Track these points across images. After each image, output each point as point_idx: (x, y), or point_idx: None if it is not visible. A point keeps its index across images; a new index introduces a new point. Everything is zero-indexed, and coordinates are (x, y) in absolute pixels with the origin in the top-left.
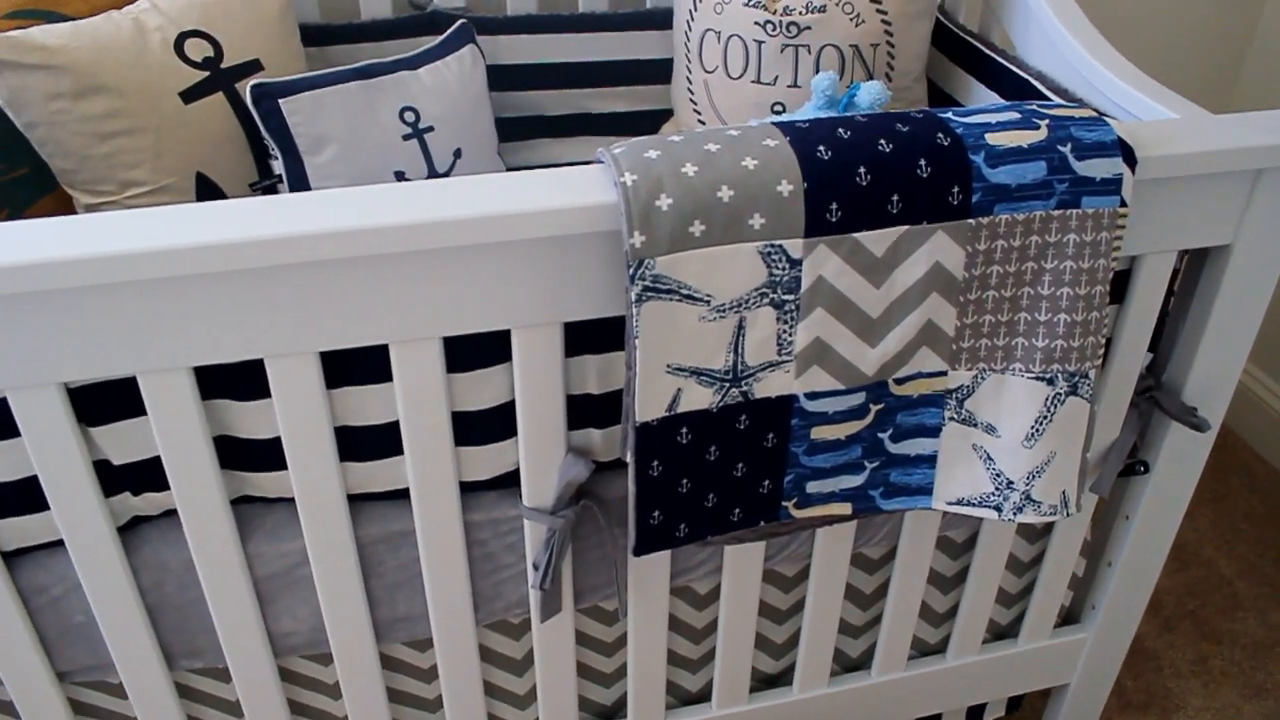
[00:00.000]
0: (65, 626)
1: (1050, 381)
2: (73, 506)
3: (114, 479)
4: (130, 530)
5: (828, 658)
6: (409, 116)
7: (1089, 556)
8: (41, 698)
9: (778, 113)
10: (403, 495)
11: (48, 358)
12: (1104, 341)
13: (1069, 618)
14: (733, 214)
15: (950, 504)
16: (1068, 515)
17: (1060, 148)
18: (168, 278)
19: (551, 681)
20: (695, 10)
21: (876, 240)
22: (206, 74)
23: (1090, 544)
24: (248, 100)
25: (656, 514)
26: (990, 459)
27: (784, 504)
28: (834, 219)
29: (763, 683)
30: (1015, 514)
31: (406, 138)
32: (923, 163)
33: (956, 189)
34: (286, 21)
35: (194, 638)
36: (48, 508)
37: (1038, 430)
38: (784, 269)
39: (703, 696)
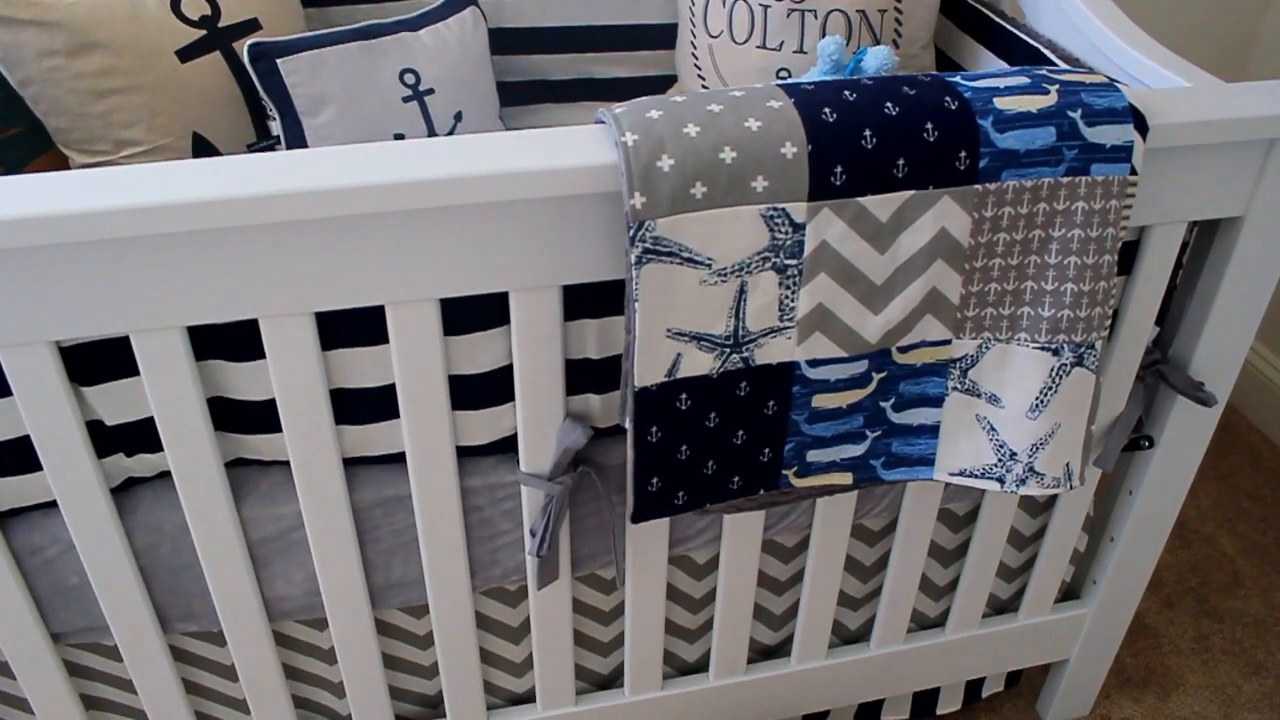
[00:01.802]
0: (60, 588)
1: (1056, 352)
2: (65, 467)
3: (107, 440)
4: (124, 492)
5: (826, 630)
6: (409, 78)
7: (1091, 531)
8: (36, 659)
9: (783, 78)
10: (399, 459)
11: (39, 315)
12: (1111, 313)
13: (1069, 593)
14: (735, 176)
15: (952, 475)
16: (1071, 488)
17: (1070, 113)
18: (161, 235)
19: (548, 649)
20: None
21: (881, 205)
22: (203, 32)
23: (1092, 519)
24: (245, 60)
25: (655, 481)
26: (994, 430)
27: (784, 472)
28: (838, 182)
29: (760, 654)
30: (1018, 486)
31: (406, 100)
32: (929, 126)
33: (964, 154)
34: None
35: (188, 601)
36: (41, 468)
37: (1042, 401)
38: (787, 233)
39: (700, 666)
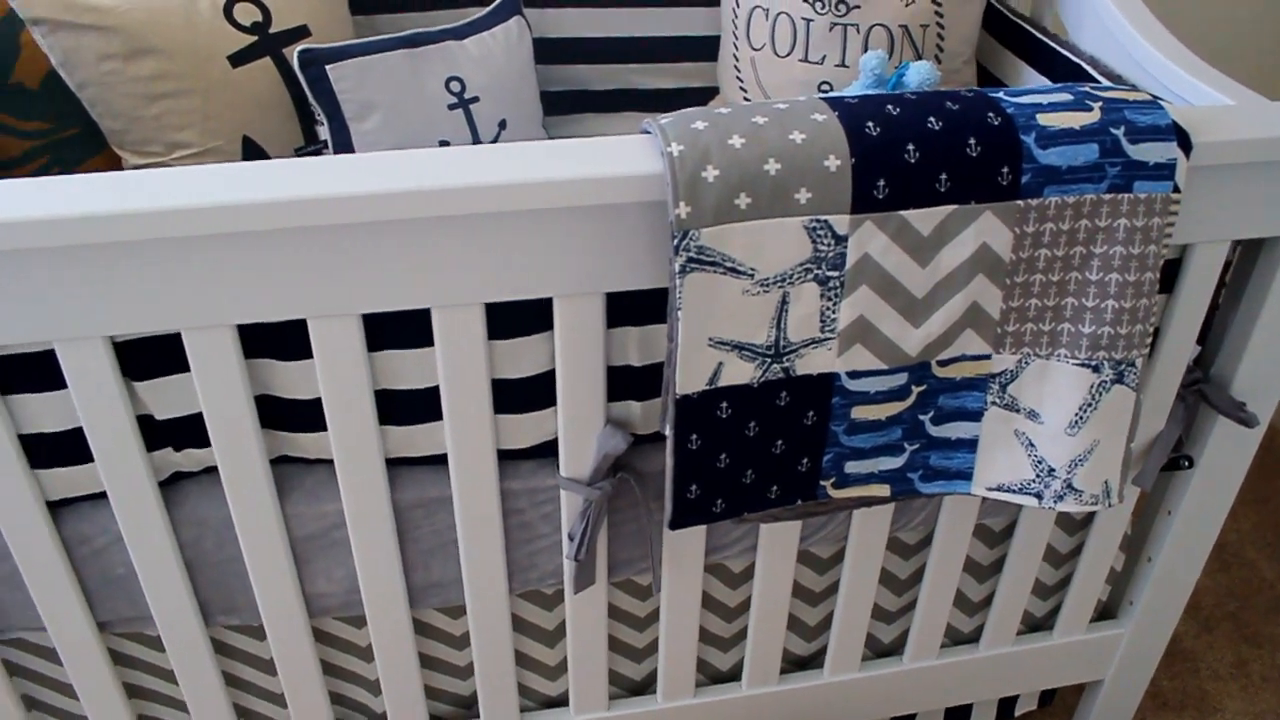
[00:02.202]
0: (107, 577)
1: (1096, 369)
2: (116, 459)
3: (157, 434)
4: (171, 485)
5: (860, 642)
6: (455, 86)
7: (1128, 551)
8: (82, 646)
9: (825, 92)
10: (441, 461)
11: (94, 311)
12: (1152, 330)
13: (1105, 612)
14: (779, 187)
15: (990, 489)
16: (1110, 505)
17: (1113, 130)
18: (213, 235)
19: (582, 654)
20: None
21: (923, 219)
22: (255, 38)
23: (1130, 538)
24: (295, 65)
25: (694, 488)
26: (1032, 445)
27: (822, 483)
28: (881, 196)
29: (793, 664)
30: (1056, 502)
31: (452, 107)
32: (972, 142)
33: (1006, 169)
34: None
35: (231, 594)
36: (92, 460)
37: (1081, 418)
38: (829, 245)
39: (733, 675)
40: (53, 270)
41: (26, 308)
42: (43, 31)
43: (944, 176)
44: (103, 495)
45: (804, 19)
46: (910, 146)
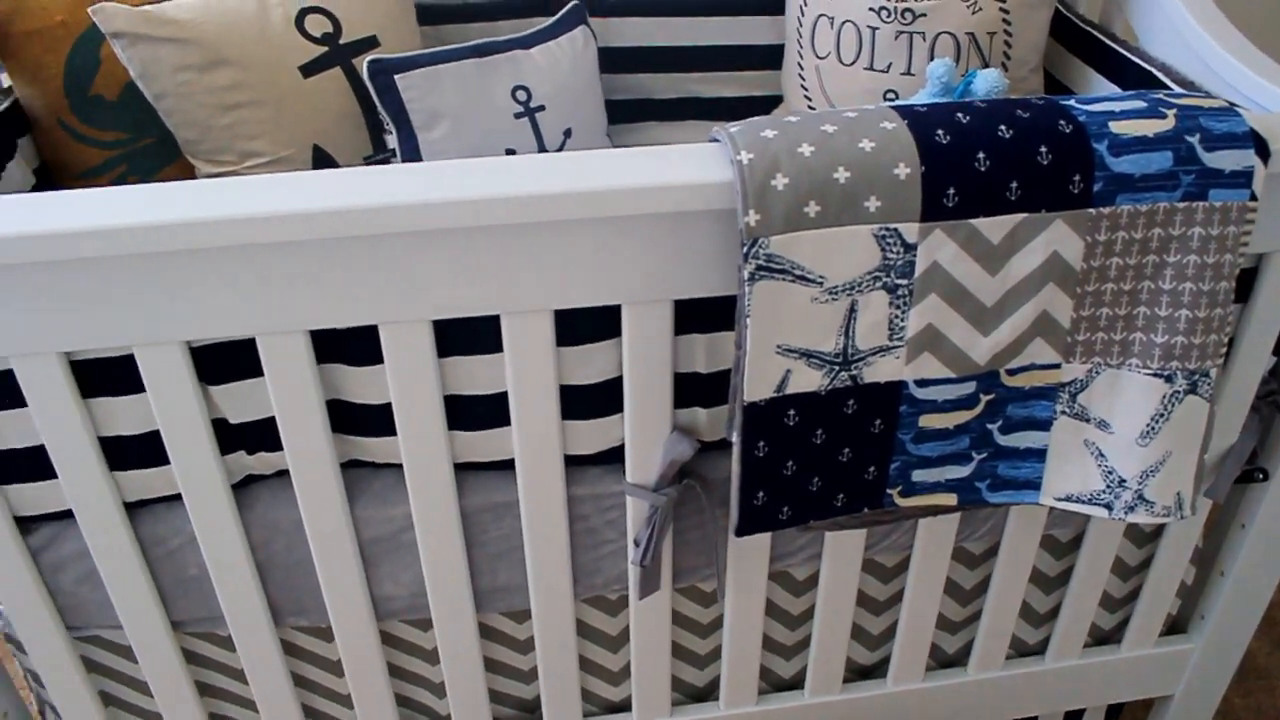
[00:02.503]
0: (180, 578)
1: (1169, 379)
2: (191, 462)
3: (230, 437)
4: (243, 488)
5: (924, 652)
6: (521, 95)
7: (1200, 564)
8: (157, 645)
9: (890, 100)
10: (508, 466)
11: (172, 316)
12: (1227, 340)
13: (1175, 627)
14: (848, 195)
15: (1059, 500)
16: (1182, 518)
17: (1188, 138)
18: (287, 242)
19: (646, 659)
20: None
21: (994, 227)
22: (325, 49)
23: (1202, 551)
24: (364, 76)
25: (760, 495)
26: (1102, 456)
27: (888, 491)
28: (951, 204)
29: (856, 673)
30: (1127, 513)
31: (518, 116)
32: (1043, 149)
33: (1078, 177)
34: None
35: (300, 596)
36: (168, 462)
37: (1153, 428)
38: (898, 253)
39: (795, 683)
40: (133, 276)
41: (107, 313)
42: (123, 44)
43: (1014, 184)
44: (177, 497)
45: (870, 27)
46: (981, 154)
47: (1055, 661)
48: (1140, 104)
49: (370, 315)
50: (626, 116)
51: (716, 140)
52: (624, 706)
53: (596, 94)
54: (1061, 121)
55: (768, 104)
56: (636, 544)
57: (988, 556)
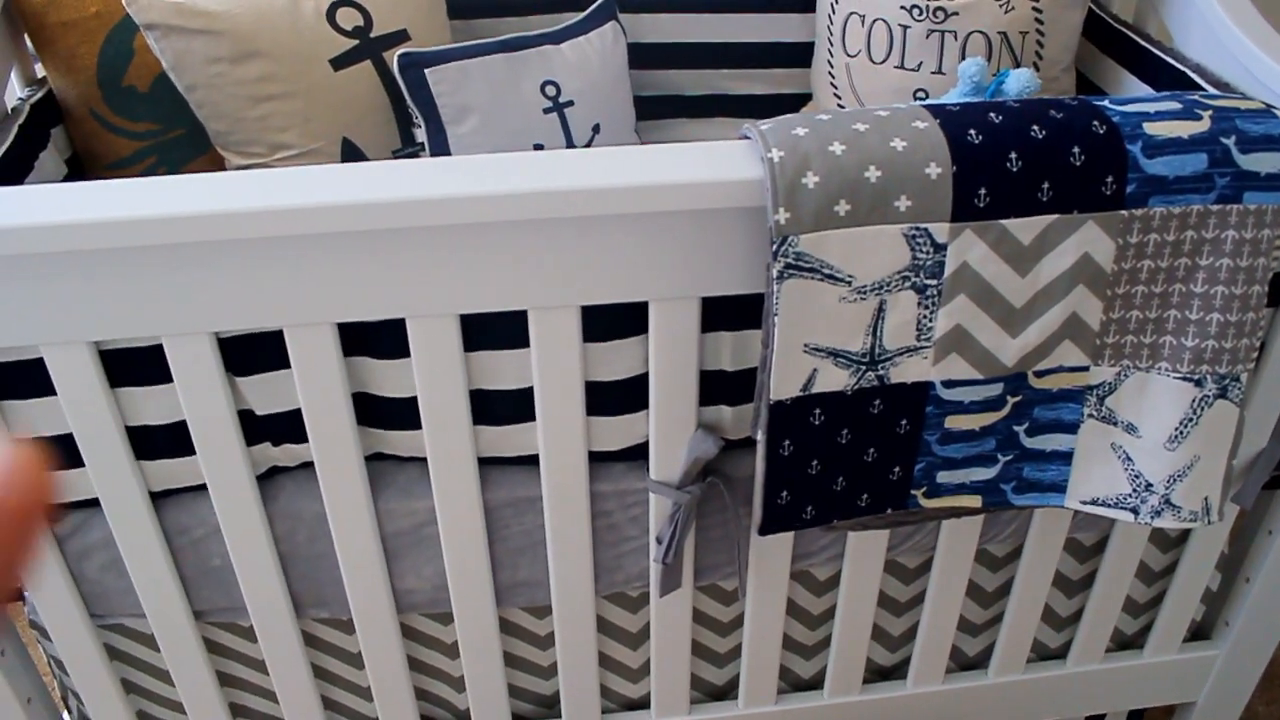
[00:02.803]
0: (204, 568)
1: (1199, 383)
2: (217, 453)
3: (256, 429)
4: (268, 480)
5: (944, 654)
6: (550, 90)
7: (1225, 570)
8: (179, 634)
9: (920, 99)
10: (531, 461)
11: (201, 308)
12: (1258, 345)
13: (1199, 633)
14: (879, 195)
15: (1084, 503)
16: (1209, 523)
17: (1223, 140)
18: (315, 235)
19: (666, 657)
20: None
21: (1024, 228)
22: (356, 42)
23: (1227, 557)
24: (395, 69)
25: (784, 494)
26: (1129, 459)
27: (913, 492)
28: (982, 204)
29: (876, 674)
30: (1153, 517)
31: (547, 111)
32: (1076, 150)
33: (1110, 179)
34: None
35: (322, 588)
36: (194, 452)
37: (1182, 432)
38: (928, 253)
39: (815, 684)
40: (163, 267)
41: (137, 304)
42: (155, 36)
43: (1046, 185)
44: (202, 488)
45: (901, 25)
46: (1013, 155)
47: (1077, 666)
48: (1175, 105)
49: (398, 309)
50: (655, 113)
51: (747, 137)
52: (643, 704)
53: (626, 90)
54: (1095, 122)
55: (797, 102)
56: (659, 541)
57: (1011, 559)
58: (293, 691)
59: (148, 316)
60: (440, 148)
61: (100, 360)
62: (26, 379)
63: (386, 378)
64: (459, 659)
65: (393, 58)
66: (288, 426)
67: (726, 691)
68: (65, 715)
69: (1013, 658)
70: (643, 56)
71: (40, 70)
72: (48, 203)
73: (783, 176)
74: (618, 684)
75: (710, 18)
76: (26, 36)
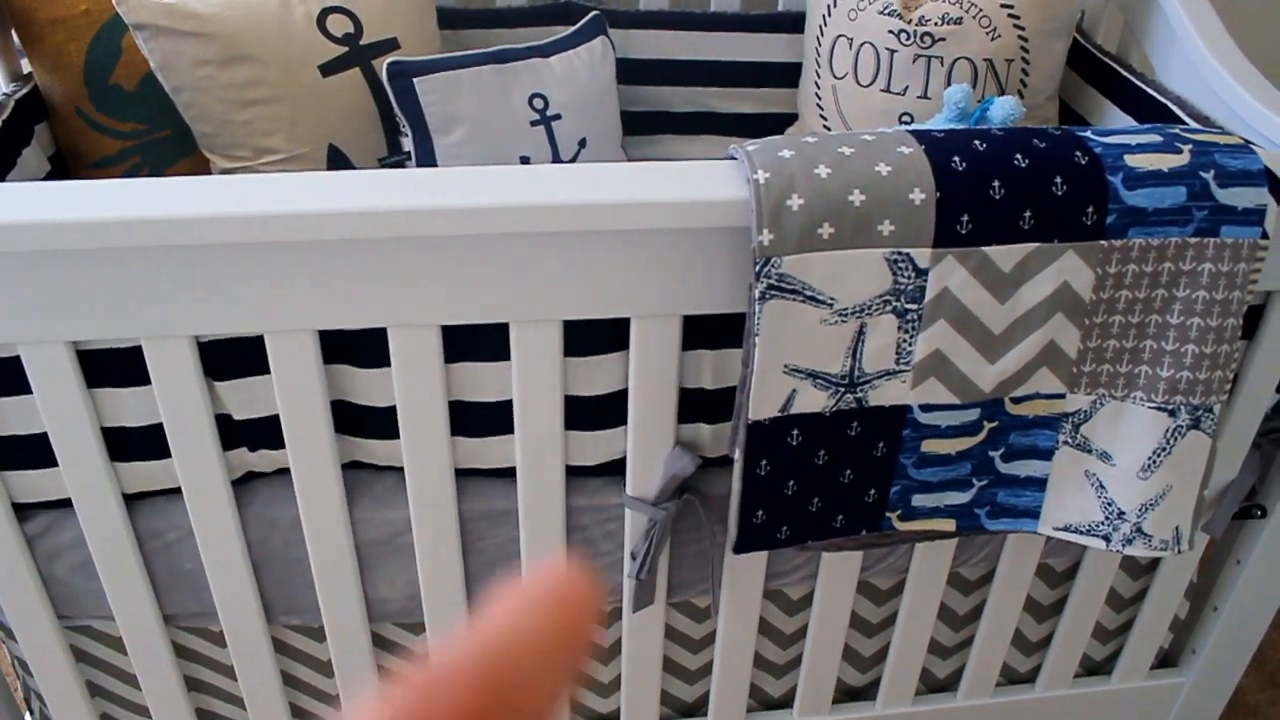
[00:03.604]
0: (175, 572)
1: (1172, 413)
2: (193, 456)
3: (233, 434)
4: (243, 485)
5: (914, 676)
6: (538, 103)
7: (1193, 599)
8: (148, 638)
9: (905, 123)
10: (508, 474)
11: (182, 311)
12: (1232, 377)
13: (1166, 660)
14: (863, 218)
15: (1057, 529)
16: (1179, 552)
17: (1202, 174)
18: (298, 241)
19: (636, 672)
20: (829, 15)
21: (1005, 255)
22: (345, 49)
23: (1196, 586)
24: (383, 77)
25: (760, 514)
26: (1102, 487)
27: (888, 515)
28: (964, 231)
29: (846, 695)
30: (1124, 545)
31: (534, 123)
32: (1058, 180)
33: (1091, 209)
34: (425, 3)
35: (294, 595)
36: (169, 455)
37: (1155, 461)
38: (909, 278)
39: (784, 703)
40: (144, 269)
41: (117, 305)
42: (145, 36)
43: (1028, 214)
44: (176, 491)
45: (888, 49)
46: (996, 183)
47: (1045, 690)
48: (1156, 138)
49: (379, 318)
50: (642, 128)
51: (734, 158)
52: (612, 718)
53: (613, 105)
54: (1078, 153)
55: (783, 121)
56: (633, 557)
57: (982, 583)
58: (261, 698)
59: (128, 318)
60: (427, 157)
61: (78, 360)
62: (2, 377)
63: (366, 386)
64: None
65: (382, 66)
66: (265, 432)
67: (696, 709)
68: (27, 716)
69: (982, 681)
70: (631, 72)
71: (26, 66)
72: (29, 200)
73: (768, 198)
74: (588, 698)
75: (699, 36)
76: (14, 32)
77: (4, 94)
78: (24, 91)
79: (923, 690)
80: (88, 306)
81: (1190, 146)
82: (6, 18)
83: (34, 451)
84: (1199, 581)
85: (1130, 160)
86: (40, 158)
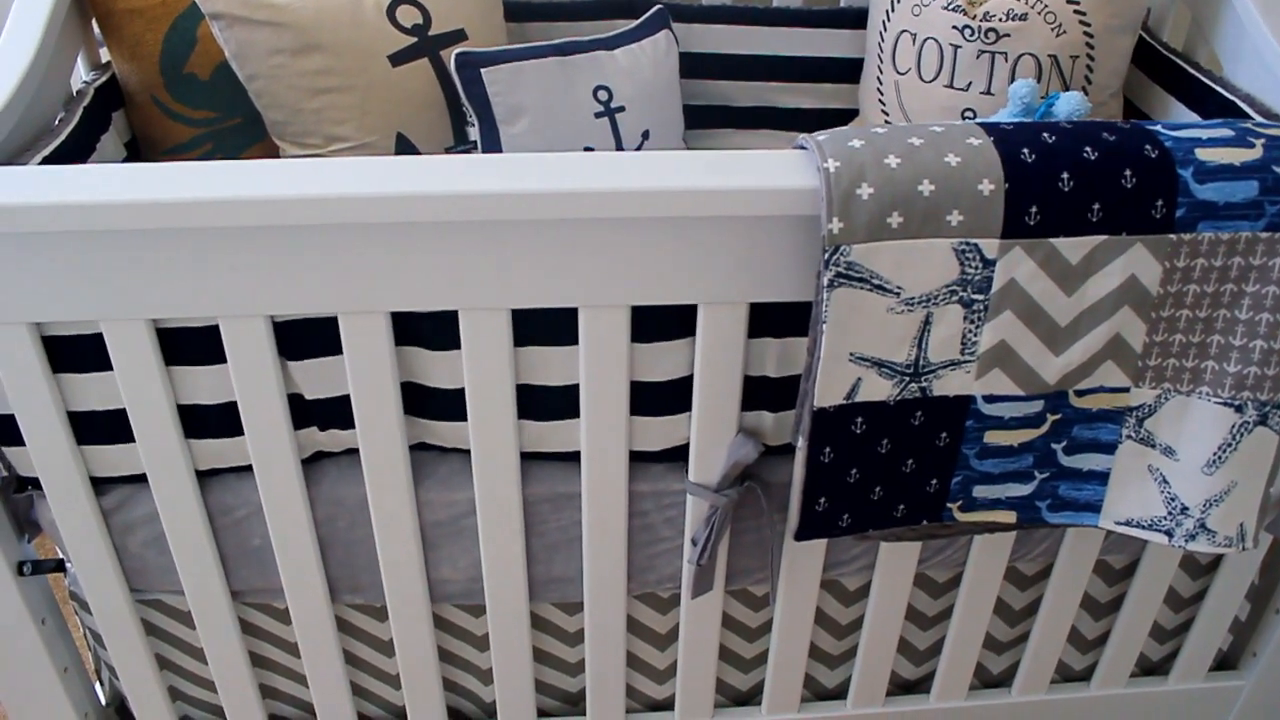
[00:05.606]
0: (244, 548)
1: (1239, 409)
2: (264, 434)
3: (304, 413)
4: (312, 463)
5: (969, 670)
6: (602, 95)
7: (1254, 601)
8: (216, 612)
9: (968, 119)
10: (572, 458)
11: (258, 291)
12: None
13: (1225, 662)
14: (932, 208)
15: (1119, 524)
16: (1244, 549)
17: (1275, 168)
18: (372, 224)
19: (693, 659)
20: (892, 11)
21: (1073, 247)
22: (414, 40)
23: (1258, 588)
24: (451, 67)
25: (822, 501)
26: (1166, 482)
27: (949, 505)
28: (1032, 222)
29: (899, 687)
30: (1187, 541)
31: (598, 115)
32: (1128, 173)
33: (1160, 202)
34: None
35: (357, 574)
36: (242, 433)
37: (1220, 457)
38: (977, 268)
39: (838, 694)
40: (223, 250)
41: (197, 284)
42: (221, 25)
43: (1097, 206)
44: (247, 468)
45: (952, 45)
46: (1065, 175)
47: (1100, 689)
48: (1228, 132)
49: (451, 301)
50: (704, 122)
51: (803, 148)
52: (667, 705)
53: (676, 98)
54: (1148, 146)
55: (844, 117)
56: (694, 543)
57: (1040, 578)
58: (323, 676)
59: (207, 298)
60: (492, 146)
61: (157, 338)
62: (84, 354)
63: (436, 369)
64: (488, 651)
65: (450, 56)
66: (335, 412)
67: (750, 697)
68: (98, 687)
69: (1037, 677)
70: (693, 66)
71: (105, 55)
72: (113, 181)
73: (838, 187)
74: (643, 684)
75: (761, 30)
76: (94, 22)
77: (84, 82)
78: (103, 80)
79: (977, 685)
80: (168, 286)
81: (1263, 141)
82: (87, 8)
83: (112, 427)
84: (1260, 583)
85: (1201, 154)
86: (117, 144)
